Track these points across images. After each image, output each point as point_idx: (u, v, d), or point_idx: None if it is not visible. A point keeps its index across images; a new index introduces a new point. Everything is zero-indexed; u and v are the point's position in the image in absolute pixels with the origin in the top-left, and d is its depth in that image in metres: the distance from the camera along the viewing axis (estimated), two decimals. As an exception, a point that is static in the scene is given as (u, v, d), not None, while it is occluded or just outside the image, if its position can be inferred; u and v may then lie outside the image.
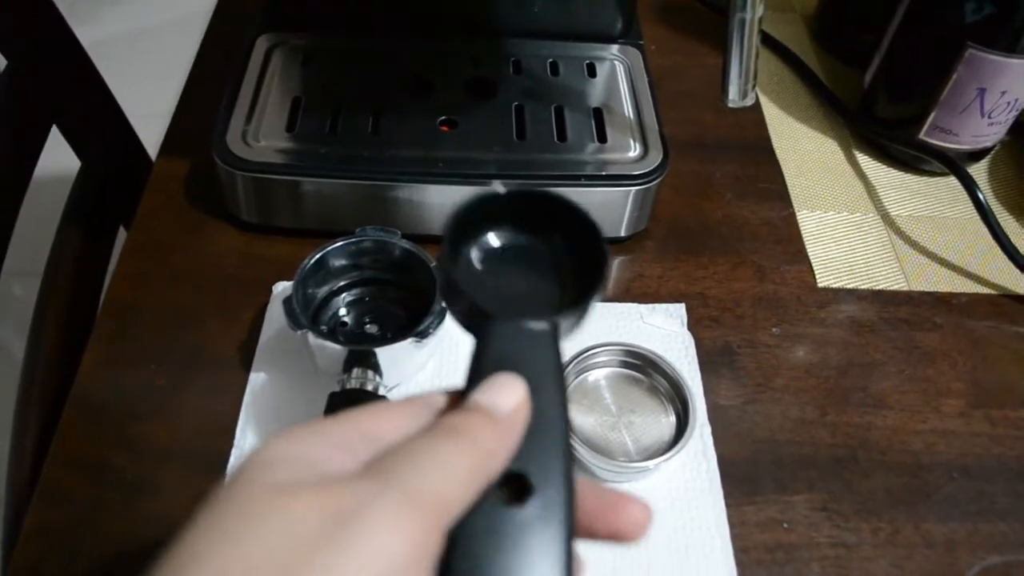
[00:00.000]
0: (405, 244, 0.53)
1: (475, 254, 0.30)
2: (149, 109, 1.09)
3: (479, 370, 0.26)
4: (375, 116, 0.63)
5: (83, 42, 0.81)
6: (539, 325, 0.26)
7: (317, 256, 0.52)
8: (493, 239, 0.30)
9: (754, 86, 0.56)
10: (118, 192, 0.87)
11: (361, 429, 0.25)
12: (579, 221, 0.29)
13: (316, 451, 0.24)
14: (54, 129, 0.79)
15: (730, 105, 0.56)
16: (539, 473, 0.24)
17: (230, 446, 0.52)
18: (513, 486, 0.24)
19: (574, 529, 0.24)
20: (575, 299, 0.28)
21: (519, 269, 0.30)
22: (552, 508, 0.24)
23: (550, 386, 0.26)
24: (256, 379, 0.55)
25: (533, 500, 0.24)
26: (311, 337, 0.49)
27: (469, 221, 0.29)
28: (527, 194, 0.29)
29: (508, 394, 0.25)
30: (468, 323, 0.28)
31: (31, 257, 0.81)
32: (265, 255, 0.62)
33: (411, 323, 0.50)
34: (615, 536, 0.26)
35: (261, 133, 0.61)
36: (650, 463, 0.49)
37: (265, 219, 0.63)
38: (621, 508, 0.27)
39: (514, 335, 0.26)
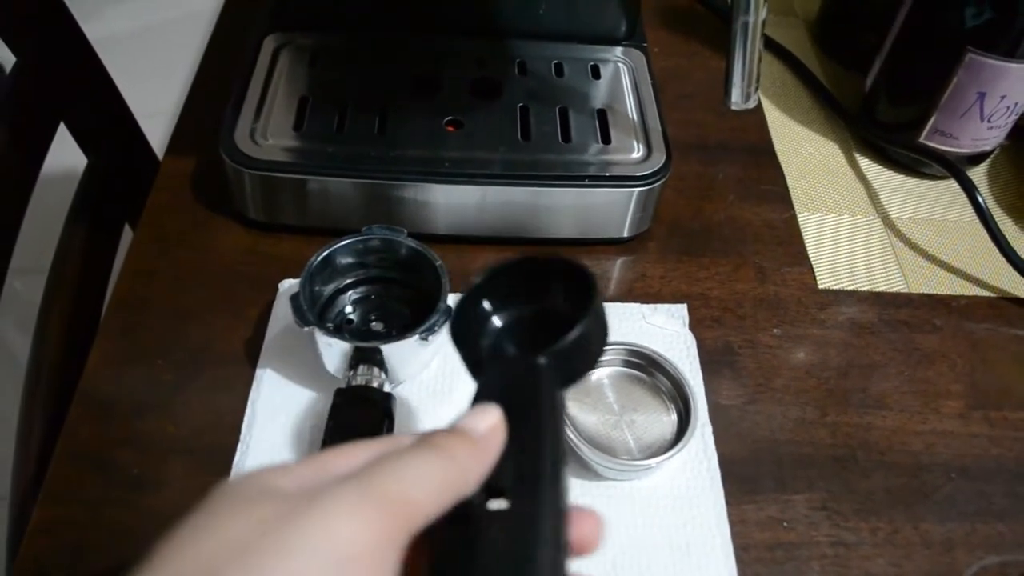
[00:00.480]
0: (412, 243, 0.53)
1: (483, 315, 0.33)
2: (152, 108, 1.09)
3: (479, 398, 0.29)
4: (381, 116, 0.63)
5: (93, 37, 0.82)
6: (526, 362, 0.29)
7: (324, 253, 0.53)
8: (499, 304, 0.33)
9: (757, 89, 0.56)
10: (124, 190, 0.88)
11: (327, 466, 0.27)
12: (575, 274, 0.32)
13: (284, 481, 0.26)
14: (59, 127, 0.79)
15: (732, 108, 0.57)
16: (517, 487, 0.26)
17: (236, 442, 0.52)
18: (493, 498, 0.26)
19: (559, 543, 0.25)
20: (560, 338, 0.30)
21: (519, 323, 0.33)
22: (528, 518, 0.25)
23: (536, 414, 0.28)
24: (262, 375, 0.56)
25: (510, 511, 0.26)
26: (317, 334, 0.50)
27: (482, 290, 0.33)
28: (529, 260, 0.33)
29: (484, 418, 0.28)
30: (473, 370, 0.31)
31: (35, 254, 0.81)
32: (271, 253, 0.63)
33: (416, 321, 0.51)
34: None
35: (269, 131, 0.62)
36: (652, 461, 0.50)
37: (272, 217, 0.63)
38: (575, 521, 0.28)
39: (506, 373, 0.30)
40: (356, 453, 0.27)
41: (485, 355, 0.32)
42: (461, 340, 0.32)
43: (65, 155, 0.79)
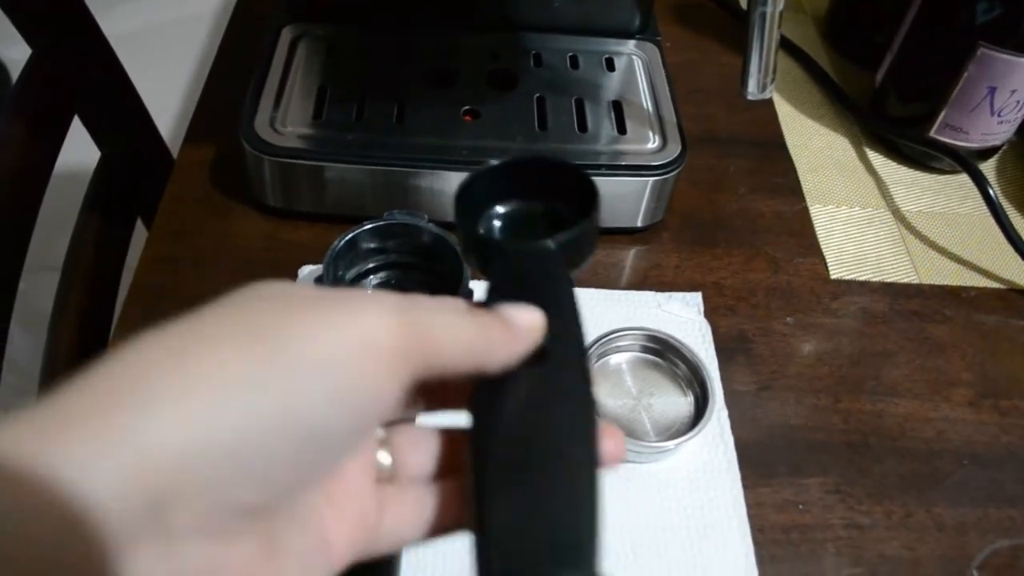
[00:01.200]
0: (434, 228, 0.54)
1: (485, 214, 0.34)
2: (160, 103, 1.10)
3: (497, 289, 0.30)
4: (399, 106, 0.64)
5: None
6: (543, 246, 0.30)
7: (348, 237, 0.53)
8: (499, 202, 0.34)
9: (773, 79, 0.57)
10: (137, 183, 0.88)
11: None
12: (569, 174, 0.33)
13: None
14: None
15: (749, 97, 0.58)
16: (554, 343, 0.28)
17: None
18: (534, 354, 0.28)
19: (591, 399, 0.27)
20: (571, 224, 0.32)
21: (523, 218, 0.34)
22: (568, 364, 0.28)
23: (561, 289, 0.30)
24: (282, 359, 0.56)
25: (550, 361, 0.27)
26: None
27: (477, 190, 0.33)
28: (523, 161, 0.34)
29: (527, 316, 0.28)
30: (484, 262, 0.31)
31: (36, 253, 0.81)
32: (290, 239, 0.64)
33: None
34: None
35: (288, 120, 0.62)
36: (671, 443, 0.51)
37: (290, 204, 0.64)
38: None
39: (523, 260, 0.30)
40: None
41: (490, 241, 0.32)
42: (465, 222, 0.32)
43: (70, 152, 0.79)
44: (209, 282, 0.61)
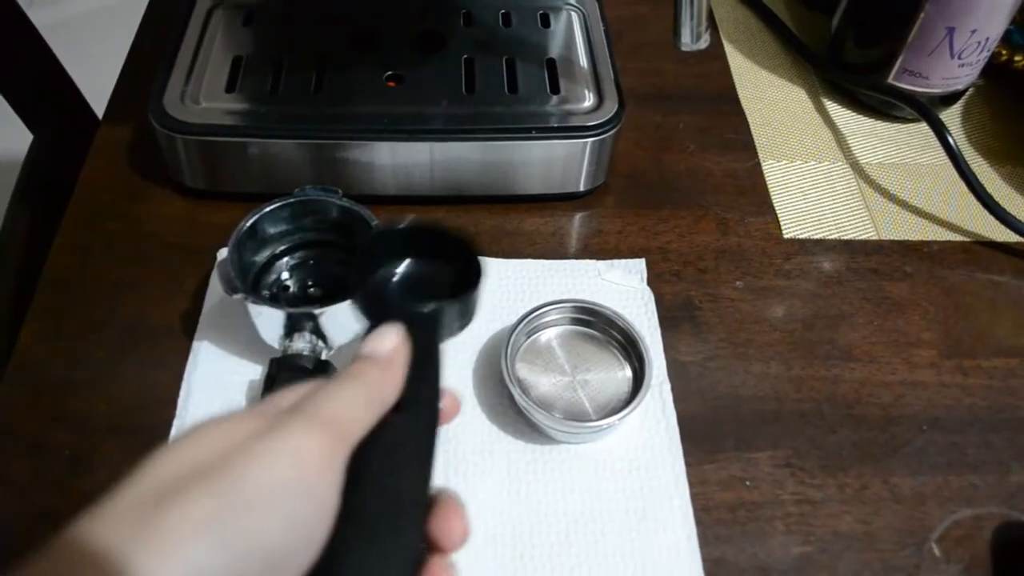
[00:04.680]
0: (344, 203, 0.51)
1: (382, 270, 0.37)
2: (99, 86, 1.06)
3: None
4: (318, 73, 0.60)
5: (49, 21, 0.78)
6: (420, 309, 0.34)
7: (253, 219, 0.50)
8: (397, 259, 0.37)
9: (707, 28, 0.53)
10: (71, 167, 0.85)
11: (272, 404, 0.30)
12: (459, 243, 0.36)
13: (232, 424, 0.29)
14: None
15: (683, 49, 0.54)
16: (410, 395, 0.32)
17: (172, 417, 0.50)
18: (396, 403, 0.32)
19: (434, 438, 0.32)
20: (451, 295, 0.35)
21: (413, 282, 0.37)
22: (419, 415, 0.32)
23: (429, 349, 0.33)
24: (199, 348, 0.53)
25: (405, 413, 0.31)
26: (247, 302, 0.47)
27: (377, 250, 0.36)
28: (418, 228, 0.37)
29: (388, 340, 0.32)
30: (368, 312, 0.35)
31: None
32: (210, 221, 0.60)
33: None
34: (435, 545, 0.31)
35: (201, 95, 0.59)
36: (604, 422, 0.48)
37: (209, 184, 0.60)
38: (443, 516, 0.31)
39: (403, 319, 0.33)
40: (296, 391, 0.31)
41: (377, 295, 0.36)
42: (360, 275, 0.36)
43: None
44: (124, 270, 0.57)
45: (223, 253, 0.57)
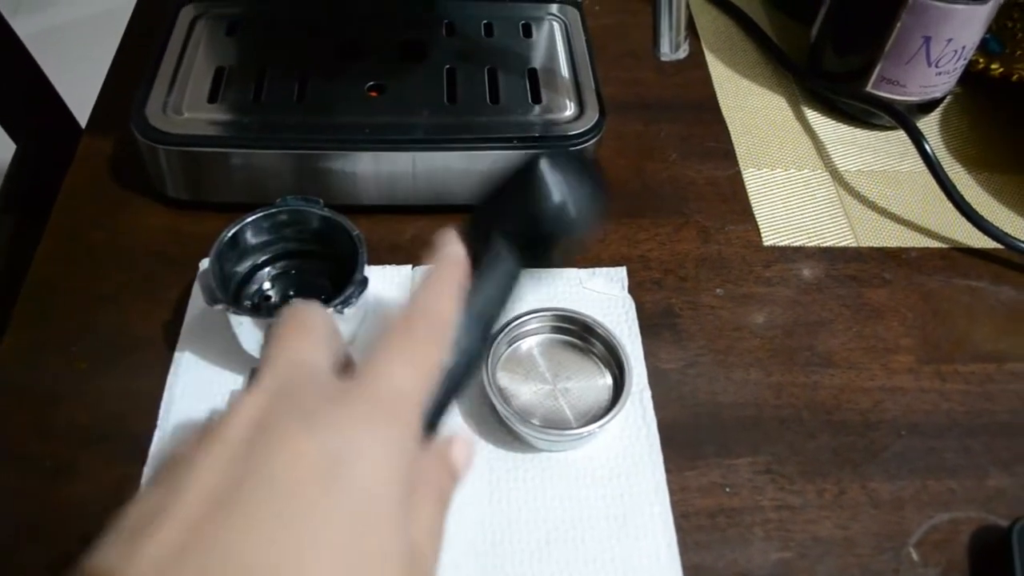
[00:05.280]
0: (325, 212, 0.51)
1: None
2: (83, 96, 1.06)
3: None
4: (301, 83, 0.60)
5: (33, 30, 0.78)
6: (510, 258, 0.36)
7: (234, 229, 0.50)
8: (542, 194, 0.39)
9: (686, 37, 0.54)
10: (55, 176, 0.85)
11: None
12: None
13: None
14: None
15: (662, 59, 0.55)
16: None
17: (153, 428, 0.50)
18: None
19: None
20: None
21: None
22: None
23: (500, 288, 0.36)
24: (180, 359, 0.53)
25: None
26: (228, 312, 0.47)
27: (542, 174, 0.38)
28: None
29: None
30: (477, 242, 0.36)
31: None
32: (193, 232, 0.60)
33: (336, 294, 0.48)
34: None
35: (184, 105, 0.59)
36: (584, 430, 0.48)
37: (192, 194, 0.60)
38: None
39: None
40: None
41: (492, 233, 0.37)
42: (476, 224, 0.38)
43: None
44: (106, 280, 0.57)
45: (204, 263, 0.57)
